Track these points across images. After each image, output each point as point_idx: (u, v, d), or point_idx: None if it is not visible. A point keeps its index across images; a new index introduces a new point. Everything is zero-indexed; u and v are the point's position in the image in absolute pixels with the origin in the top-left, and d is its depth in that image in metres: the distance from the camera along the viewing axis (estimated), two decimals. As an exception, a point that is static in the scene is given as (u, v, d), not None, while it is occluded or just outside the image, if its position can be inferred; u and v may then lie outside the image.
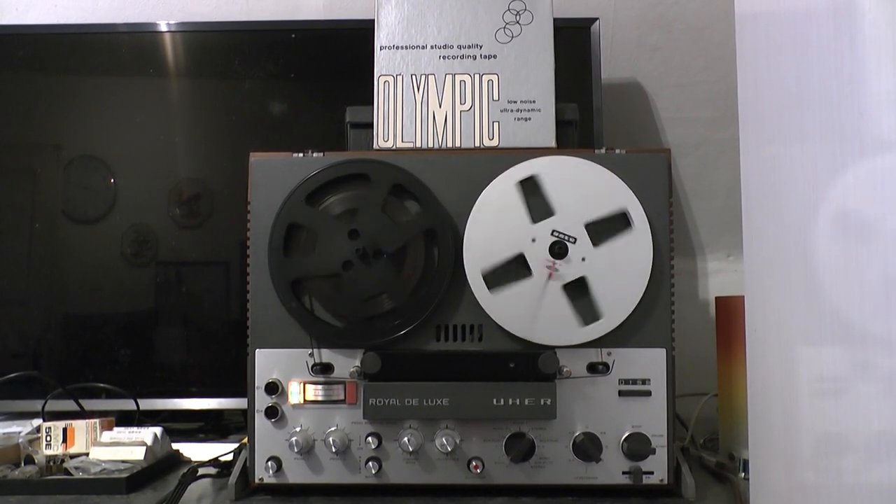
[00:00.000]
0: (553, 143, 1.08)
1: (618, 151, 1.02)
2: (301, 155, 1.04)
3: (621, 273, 1.00)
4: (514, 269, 1.01)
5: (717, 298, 1.21)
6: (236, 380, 1.03)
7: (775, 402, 0.83)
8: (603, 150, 1.02)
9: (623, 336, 1.01)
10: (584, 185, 1.01)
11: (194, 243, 1.43)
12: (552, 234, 1.00)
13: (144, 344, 1.41)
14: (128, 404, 1.33)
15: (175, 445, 1.22)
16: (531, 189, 1.01)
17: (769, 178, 0.83)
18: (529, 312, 1.00)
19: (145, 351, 1.41)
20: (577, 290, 1.00)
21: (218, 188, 1.42)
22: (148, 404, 1.37)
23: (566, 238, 1.00)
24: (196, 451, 1.23)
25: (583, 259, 1.00)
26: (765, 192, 0.84)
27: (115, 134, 1.44)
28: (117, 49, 1.45)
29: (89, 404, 1.33)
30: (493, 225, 1.00)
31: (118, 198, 1.43)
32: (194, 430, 1.42)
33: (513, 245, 1.00)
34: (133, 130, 1.44)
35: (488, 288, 1.00)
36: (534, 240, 1.00)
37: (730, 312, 1.17)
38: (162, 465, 1.15)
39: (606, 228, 1.01)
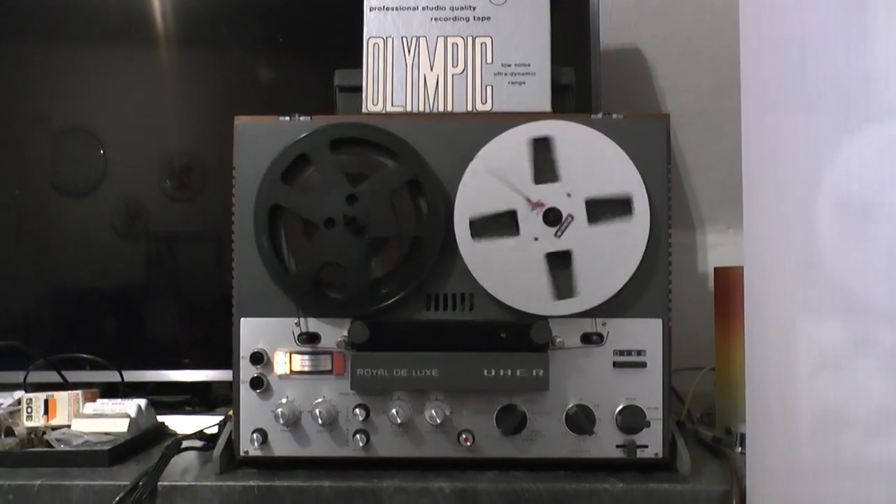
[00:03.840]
0: (548, 108, 1.06)
1: (615, 116, 1.01)
2: (288, 119, 1.02)
3: (613, 251, 0.99)
4: (502, 224, 0.99)
5: (715, 269, 1.21)
6: (225, 352, 1.03)
7: (773, 377, 0.83)
8: (600, 116, 1.01)
9: (618, 306, 1.00)
10: (594, 159, 0.99)
11: (185, 216, 1.44)
12: (535, 217, 0.99)
13: (134, 317, 1.42)
14: (113, 376, 1.33)
15: (161, 418, 1.22)
16: (543, 150, 0.99)
17: (771, 147, 0.83)
18: (511, 275, 0.98)
19: (135, 324, 1.42)
20: (560, 262, 0.99)
21: (209, 160, 1.42)
22: (133, 376, 1.36)
23: (563, 210, 0.99)
24: (182, 424, 1.23)
25: (575, 233, 0.99)
26: (766, 161, 0.84)
27: (105, 104, 1.44)
28: (104, 16, 1.44)
29: (73, 376, 1.32)
30: (490, 177, 0.99)
31: (108, 170, 1.43)
32: (181, 402, 1.42)
33: (507, 200, 0.99)
34: (123, 100, 1.44)
35: (472, 236, 0.98)
36: (536, 238, 0.99)
37: (728, 284, 1.16)
38: (146, 438, 1.14)
39: (606, 210, 0.99)
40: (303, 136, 1.01)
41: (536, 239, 0.99)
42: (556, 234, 0.99)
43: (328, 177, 1.00)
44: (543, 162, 0.99)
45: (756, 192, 0.86)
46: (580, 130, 0.99)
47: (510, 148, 0.99)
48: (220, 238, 1.41)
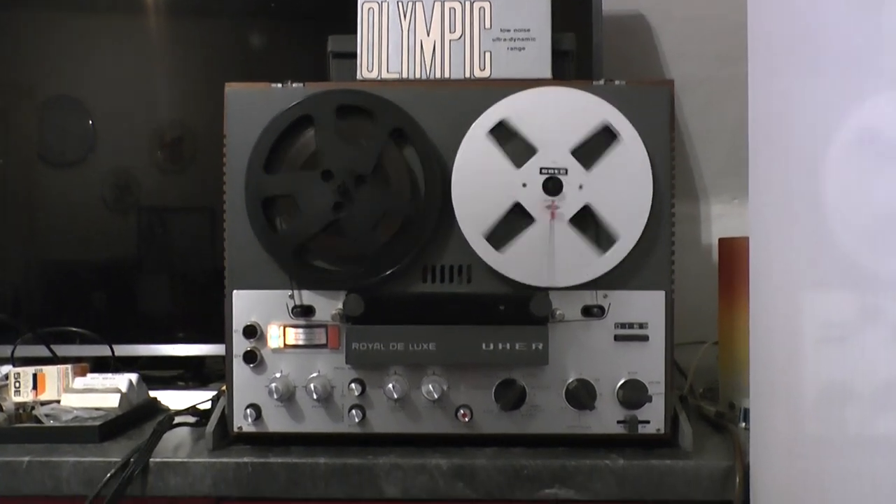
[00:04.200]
0: (548, 74, 1.05)
1: (617, 83, 1.00)
2: (280, 86, 1.01)
3: (622, 193, 0.98)
4: (515, 221, 0.99)
5: (720, 240, 1.20)
6: (219, 326, 1.03)
7: (778, 349, 0.83)
8: (602, 82, 1.00)
9: (620, 277, 0.99)
10: (558, 113, 0.99)
11: (177, 188, 1.43)
12: (541, 173, 0.98)
13: (125, 291, 1.42)
14: (103, 350, 1.32)
15: (153, 393, 1.22)
16: (505, 134, 0.99)
17: (778, 114, 0.82)
18: (540, 257, 0.98)
19: (126, 298, 1.42)
20: (585, 221, 0.99)
21: (201, 130, 1.41)
22: (125, 350, 1.36)
23: (556, 171, 0.98)
24: (175, 400, 1.23)
25: (580, 187, 0.98)
26: (773, 129, 0.83)
27: (93, 73, 1.43)
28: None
29: (63, 350, 1.32)
30: (480, 179, 0.98)
31: (97, 140, 1.42)
32: (174, 377, 1.42)
33: (504, 197, 0.98)
34: (111, 69, 1.43)
35: (496, 248, 0.98)
36: (525, 184, 0.98)
37: (733, 255, 1.15)
38: (138, 414, 1.14)
39: (593, 148, 0.98)
40: (309, 96, 1.00)
41: (524, 185, 0.98)
42: (540, 200, 0.98)
43: (296, 192, 0.99)
44: (512, 145, 0.99)
45: (762, 160, 0.85)
46: (527, 97, 0.99)
47: (479, 148, 0.98)
48: (213, 210, 1.40)
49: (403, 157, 0.99)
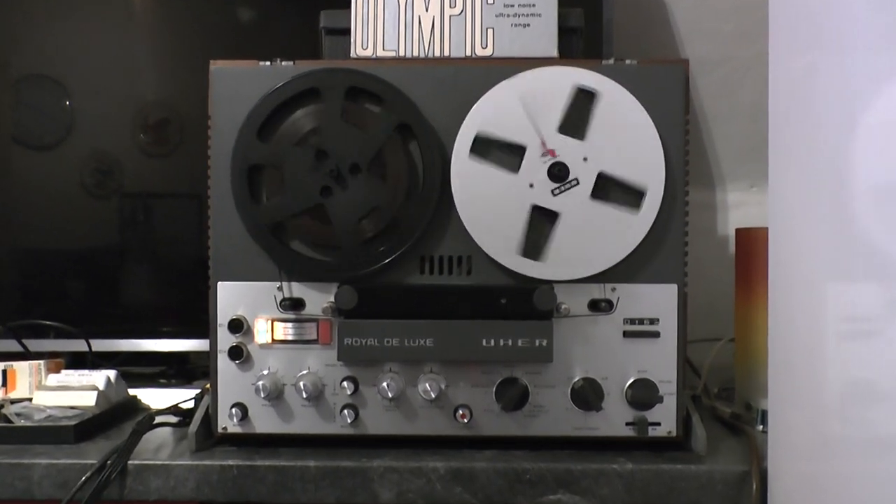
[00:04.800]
0: (555, 53, 1.04)
1: (628, 62, 1.00)
2: (269, 64, 1.01)
3: (626, 149, 0.98)
4: (538, 222, 0.99)
5: (737, 230, 1.20)
6: (204, 320, 1.03)
7: (799, 346, 0.83)
8: (611, 61, 1.00)
9: (629, 270, 0.99)
10: (527, 98, 0.98)
11: (162, 173, 1.43)
12: (541, 164, 0.98)
13: (104, 282, 1.42)
14: (79, 345, 1.32)
15: (133, 391, 1.21)
16: (486, 147, 0.99)
17: (800, 94, 0.82)
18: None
19: (105, 289, 1.42)
20: (604, 192, 0.99)
21: (188, 111, 1.41)
22: (102, 345, 1.36)
23: (554, 156, 0.98)
24: (156, 398, 1.22)
25: (584, 159, 0.98)
26: (795, 111, 0.83)
27: (71, 49, 1.43)
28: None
29: (36, 345, 1.32)
30: (485, 194, 0.99)
31: (76, 122, 1.42)
32: (155, 374, 1.42)
33: (519, 207, 0.98)
34: (91, 45, 1.42)
35: (534, 259, 0.98)
36: (531, 185, 0.98)
37: (750, 246, 1.15)
38: (116, 413, 1.13)
39: (577, 116, 0.98)
40: (316, 70, 1.00)
41: (532, 186, 0.98)
42: (553, 192, 0.98)
43: (286, 164, 0.99)
44: (498, 154, 0.99)
45: (783, 145, 0.85)
46: (492, 98, 0.99)
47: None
48: (201, 197, 1.39)
49: (406, 153, 0.99)
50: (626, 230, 0.98)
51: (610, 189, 0.98)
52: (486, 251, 0.98)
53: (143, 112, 1.41)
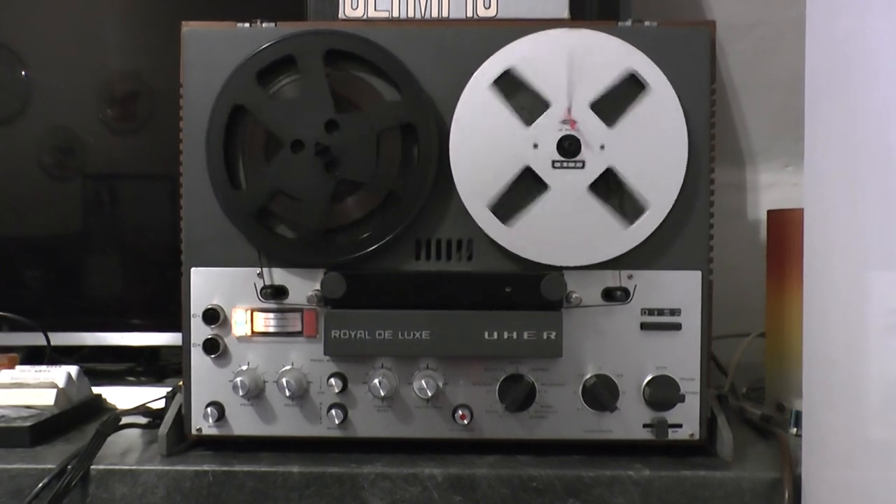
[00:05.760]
0: (566, 14, 1.04)
1: (647, 24, 1.00)
2: (247, 25, 1.01)
3: (652, 154, 0.98)
4: (525, 188, 0.99)
5: (769, 213, 1.20)
6: (176, 311, 1.04)
7: (838, 341, 0.83)
8: (629, 23, 1.00)
9: (648, 255, 0.99)
10: (573, 59, 0.98)
11: (130, 151, 1.43)
12: (556, 129, 0.98)
13: (66, 270, 1.42)
14: (37, 339, 1.33)
15: (97, 390, 1.22)
16: (511, 86, 0.99)
17: (842, 61, 0.82)
18: (553, 231, 0.98)
19: (66, 278, 1.41)
20: (608, 187, 0.99)
21: (160, 83, 1.41)
22: (63, 339, 1.37)
23: (573, 128, 0.98)
24: (124, 397, 1.23)
25: (602, 147, 0.98)
26: (835, 79, 0.83)
27: (27, 14, 1.42)
28: None
29: (-12, 339, 1.33)
30: (483, 140, 0.98)
31: (33, 95, 1.42)
32: (122, 371, 1.43)
33: (512, 160, 0.98)
34: (49, 10, 1.42)
35: (502, 221, 0.98)
36: (536, 145, 0.98)
37: (784, 230, 1.15)
38: (78, 413, 1.14)
39: (617, 101, 0.98)
40: (295, 34, 0.99)
41: (535, 146, 0.98)
42: (553, 164, 0.98)
43: (312, 92, 0.98)
44: (520, 98, 0.99)
45: (822, 118, 0.84)
46: (538, 40, 0.98)
47: (480, 103, 0.98)
48: (173, 177, 1.38)
49: (399, 125, 0.99)
50: (603, 237, 0.98)
51: (611, 190, 0.99)
52: (461, 194, 0.98)
53: (109, 84, 1.41)
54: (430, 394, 0.99)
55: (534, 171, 0.98)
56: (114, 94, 1.41)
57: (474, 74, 0.98)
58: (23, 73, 1.41)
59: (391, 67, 0.99)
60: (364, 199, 0.99)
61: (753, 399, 1.27)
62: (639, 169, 0.98)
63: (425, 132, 0.98)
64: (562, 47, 0.98)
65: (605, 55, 0.98)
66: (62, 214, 1.42)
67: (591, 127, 0.98)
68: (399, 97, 0.99)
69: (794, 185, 1.51)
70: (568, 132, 0.98)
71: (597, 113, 0.98)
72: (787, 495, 0.92)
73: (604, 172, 0.98)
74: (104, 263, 1.42)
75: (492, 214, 0.98)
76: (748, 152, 1.54)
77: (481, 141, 0.98)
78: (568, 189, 0.98)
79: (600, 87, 0.98)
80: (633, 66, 0.98)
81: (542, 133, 0.98)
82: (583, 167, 0.98)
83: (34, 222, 1.42)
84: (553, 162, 0.98)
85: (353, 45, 0.99)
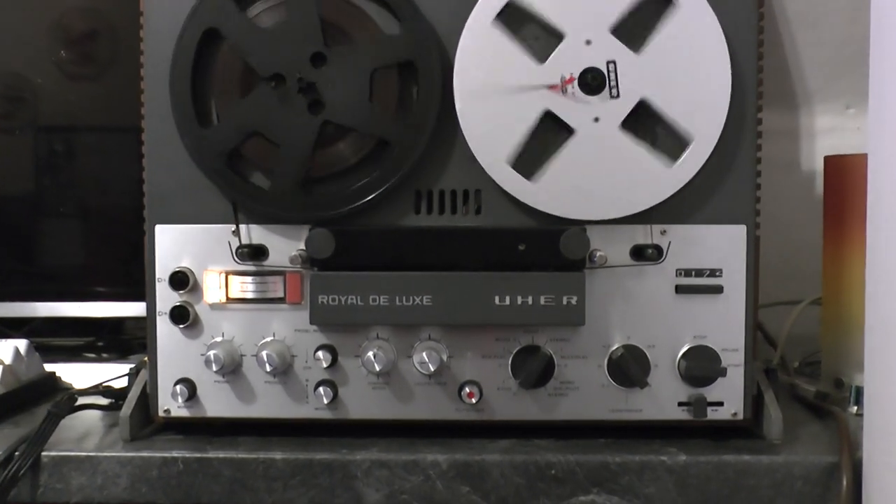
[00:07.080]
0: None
1: None
2: (221, -55, 1.01)
3: (688, 79, 0.97)
4: (546, 135, 0.98)
5: (826, 159, 1.20)
6: (140, 277, 1.04)
7: None
8: None
9: (684, 206, 1.00)
10: None
11: (89, 100, 1.43)
12: (575, 63, 0.97)
13: (17, 235, 1.43)
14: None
15: (50, 367, 1.23)
16: (517, 20, 0.98)
17: None
18: (583, 181, 0.98)
19: (15, 242, 1.43)
20: (642, 124, 0.99)
21: (121, 22, 1.40)
22: (10, 309, 1.38)
23: (595, 59, 0.97)
24: (82, 375, 1.24)
25: (629, 77, 0.97)
26: None
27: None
28: None
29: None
30: (491, 84, 0.98)
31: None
32: (80, 346, 1.44)
33: (528, 106, 0.98)
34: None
35: (526, 177, 0.98)
36: (554, 84, 0.98)
37: (844, 178, 1.15)
38: (28, 392, 1.15)
39: (642, 23, 0.98)
40: None
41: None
42: (612, 95, 0.97)
43: (298, 18, 0.98)
44: (529, 32, 0.99)
45: (889, 54, 0.84)
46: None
47: (485, 43, 0.98)
48: (137, 129, 1.40)
49: (396, 60, 0.99)
50: (650, 174, 0.98)
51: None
52: (475, 154, 0.98)
53: (64, 22, 1.42)
54: (432, 368, 0.99)
55: (554, 115, 0.98)
56: (69, 33, 1.42)
57: (474, 10, 0.97)
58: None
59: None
60: (356, 144, 0.99)
61: (807, 374, 1.27)
62: (676, 96, 0.98)
63: (427, 71, 0.98)
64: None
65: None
66: (11, 171, 1.43)
67: (614, 55, 0.97)
68: (398, 30, 0.98)
69: (857, 129, 1.51)
70: (589, 64, 0.97)
71: (619, 38, 0.97)
72: (845, 483, 0.92)
73: (635, 107, 0.98)
74: (59, 225, 1.44)
75: (509, 168, 0.98)
76: (802, 93, 1.54)
77: (489, 84, 0.98)
78: (597, 130, 0.98)
79: (620, 6, 0.97)
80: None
81: (559, 69, 0.98)
82: (615, 99, 0.97)
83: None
84: (576, 100, 0.97)
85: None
